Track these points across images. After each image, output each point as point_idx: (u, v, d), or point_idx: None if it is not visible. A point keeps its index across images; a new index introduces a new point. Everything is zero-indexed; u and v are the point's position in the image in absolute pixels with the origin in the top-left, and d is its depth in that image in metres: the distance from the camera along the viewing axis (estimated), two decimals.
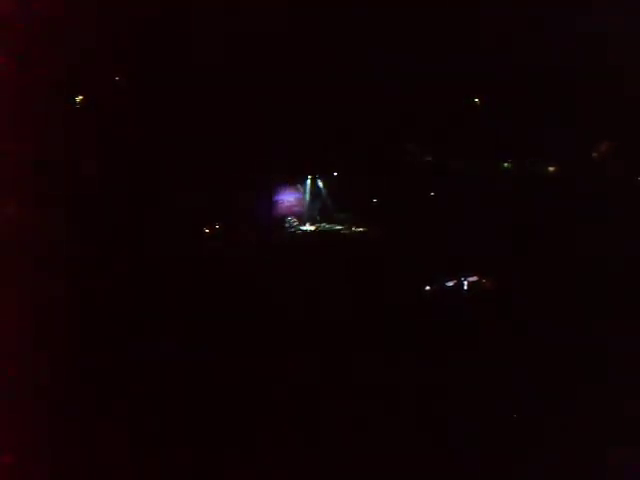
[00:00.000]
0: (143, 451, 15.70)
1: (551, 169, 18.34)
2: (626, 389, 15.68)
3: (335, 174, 19.53)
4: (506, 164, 18.55)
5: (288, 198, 20.48)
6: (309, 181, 20.36)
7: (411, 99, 18.90)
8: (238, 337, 17.37)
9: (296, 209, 20.46)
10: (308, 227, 20.62)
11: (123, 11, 19.31)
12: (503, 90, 18.78)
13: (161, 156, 19.28)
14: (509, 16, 18.71)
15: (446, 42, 18.88)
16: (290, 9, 19.19)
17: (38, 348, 16.73)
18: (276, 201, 20.38)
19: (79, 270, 17.91)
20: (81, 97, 19.78)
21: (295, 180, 20.24)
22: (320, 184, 20.16)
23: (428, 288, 17.81)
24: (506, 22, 18.73)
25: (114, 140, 19.25)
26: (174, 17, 19.50)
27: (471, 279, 17.73)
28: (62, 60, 19.14)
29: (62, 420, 16.08)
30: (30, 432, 15.87)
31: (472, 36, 18.83)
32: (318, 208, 20.18)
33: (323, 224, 20.19)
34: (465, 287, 17.77)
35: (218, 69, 19.54)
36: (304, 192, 20.47)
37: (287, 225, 20.50)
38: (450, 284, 17.79)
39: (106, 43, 19.28)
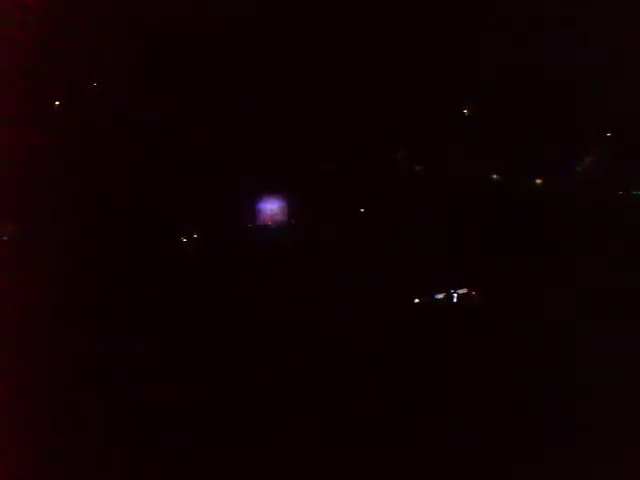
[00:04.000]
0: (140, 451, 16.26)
1: (538, 182, 18.35)
2: (617, 401, 16.07)
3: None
4: (495, 176, 18.52)
5: (271, 206, 20.25)
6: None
7: (401, 108, 18.90)
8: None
9: (279, 217, 20.28)
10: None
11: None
12: (492, 101, 18.85)
13: (146, 163, 19.14)
14: (496, 29, 18.86)
15: (435, 52, 18.87)
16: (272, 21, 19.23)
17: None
18: (258, 209, 20.20)
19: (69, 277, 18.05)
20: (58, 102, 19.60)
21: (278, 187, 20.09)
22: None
23: (417, 301, 17.77)
24: (494, 36, 18.83)
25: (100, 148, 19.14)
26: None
27: (460, 292, 17.69)
28: (55, 71, 19.15)
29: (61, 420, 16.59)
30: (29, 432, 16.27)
31: (461, 48, 18.83)
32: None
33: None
34: (454, 300, 17.72)
35: (199, 74, 19.47)
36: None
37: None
38: (440, 296, 17.73)
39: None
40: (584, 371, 16.54)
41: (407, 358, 17.28)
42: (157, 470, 16.39)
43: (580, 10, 18.50)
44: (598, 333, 16.73)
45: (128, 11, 19.46)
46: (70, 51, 19.46)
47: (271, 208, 20.07)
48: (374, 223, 18.55)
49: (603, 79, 18.37)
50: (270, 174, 19.11)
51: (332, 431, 16.56)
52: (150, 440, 16.62)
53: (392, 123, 19.01)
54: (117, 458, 16.49)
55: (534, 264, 17.69)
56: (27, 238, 18.59)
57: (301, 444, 16.36)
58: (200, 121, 19.34)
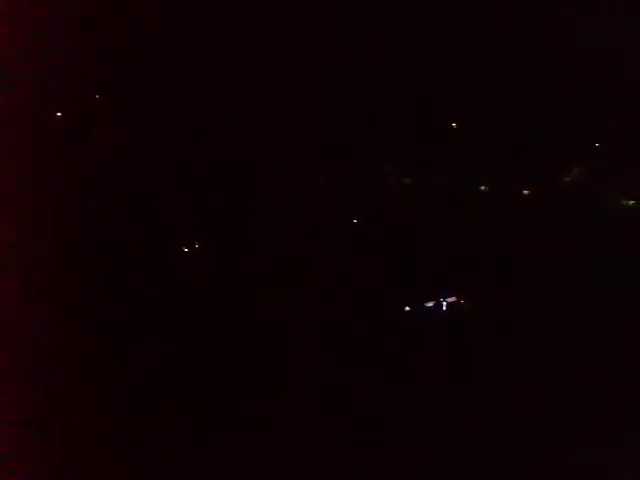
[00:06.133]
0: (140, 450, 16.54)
1: (526, 192, 18.69)
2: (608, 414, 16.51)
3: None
4: (483, 187, 18.85)
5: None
6: None
7: (390, 120, 19.27)
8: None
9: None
10: None
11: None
12: (480, 113, 19.17)
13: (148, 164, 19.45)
14: (485, 43, 19.18)
15: (424, 66, 19.24)
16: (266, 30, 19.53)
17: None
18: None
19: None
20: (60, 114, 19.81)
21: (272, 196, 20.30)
22: None
23: (408, 309, 18.11)
24: (483, 49, 19.18)
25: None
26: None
27: (450, 300, 18.00)
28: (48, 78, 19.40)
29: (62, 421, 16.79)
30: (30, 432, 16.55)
31: (451, 60, 19.18)
32: None
33: None
34: (444, 308, 18.02)
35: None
36: None
37: None
38: (430, 304, 18.04)
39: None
40: (579, 378, 16.92)
41: (398, 364, 17.59)
42: (157, 470, 16.57)
43: (579, 10, 18.85)
44: (591, 338, 17.12)
45: (128, 13, 19.67)
46: (71, 59, 19.65)
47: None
48: (366, 233, 18.89)
49: (602, 81, 18.78)
50: (265, 182, 19.36)
51: (328, 432, 16.85)
52: (150, 440, 16.83)
53: (382, 133, 19.31)
54: (117, 458, 16.65)
55: (523, 272, 18.06)
56: (27, 243, 18.66)
57: (299, 444, 16.69)
58: (199, 127, 19.58)
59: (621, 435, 16.24)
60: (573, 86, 18.91)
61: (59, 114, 19.73)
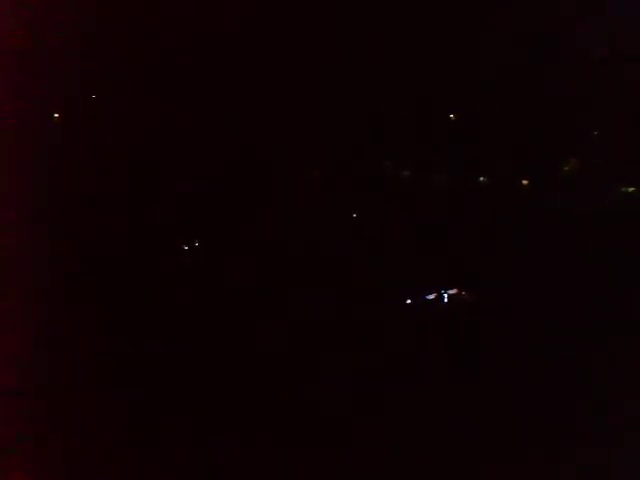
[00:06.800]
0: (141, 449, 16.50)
1: (525, 182, 18.73)
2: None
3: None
4: (482, 178, 18.90)
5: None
6: None
7: (387, 114, 19.34)
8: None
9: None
10: None
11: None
12: (477, 106, 19.24)
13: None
14: (480, 36, 19.31)
15: (421, 59, 19.33)
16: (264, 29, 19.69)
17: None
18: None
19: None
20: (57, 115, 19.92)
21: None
22: None
23: (409, 301, 18.07)
24: (479, 42, 19.31)
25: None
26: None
27: (451, 292, 17.95)
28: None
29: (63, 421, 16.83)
30: (31, 432, 16.55)
31: (447, 55, 19.26)
32: None
33: None
34: (445, 300, 17.97)
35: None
36: None
37: None
38: (431, 297, 17.99)
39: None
40: (579, 373, 16.84)
41: (401, 358, 17.49)
42: (157, 470, 16.49)
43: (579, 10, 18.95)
44: (591, 333, 17.10)
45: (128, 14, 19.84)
46: (68, 60, 19.80)
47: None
48: (365, 227, 18.86)
49: (601, 79, 18.82)
50: (264, 178, 19.39)
51: (326, 432, 16.77)
52: (149, 440, 16.80)
53: (380, 127, 19.37)
54: (117, 458, 16.60)
55: (524, 264, 17.96)
56: (25, 244, 18.73)
57: (298, 442, 16.64)
58: (199, 127, 19.63)
59: (621, 435, 16.06)
60: (573, 86, 18.95)
61: (56, 115, 19.83)
